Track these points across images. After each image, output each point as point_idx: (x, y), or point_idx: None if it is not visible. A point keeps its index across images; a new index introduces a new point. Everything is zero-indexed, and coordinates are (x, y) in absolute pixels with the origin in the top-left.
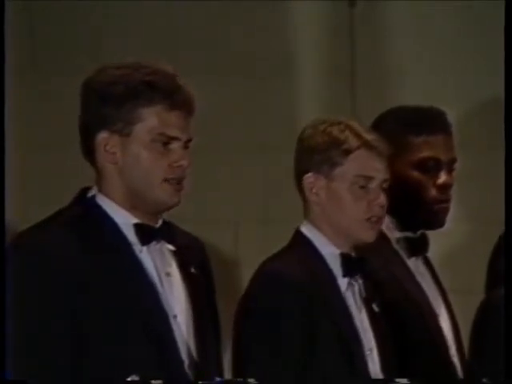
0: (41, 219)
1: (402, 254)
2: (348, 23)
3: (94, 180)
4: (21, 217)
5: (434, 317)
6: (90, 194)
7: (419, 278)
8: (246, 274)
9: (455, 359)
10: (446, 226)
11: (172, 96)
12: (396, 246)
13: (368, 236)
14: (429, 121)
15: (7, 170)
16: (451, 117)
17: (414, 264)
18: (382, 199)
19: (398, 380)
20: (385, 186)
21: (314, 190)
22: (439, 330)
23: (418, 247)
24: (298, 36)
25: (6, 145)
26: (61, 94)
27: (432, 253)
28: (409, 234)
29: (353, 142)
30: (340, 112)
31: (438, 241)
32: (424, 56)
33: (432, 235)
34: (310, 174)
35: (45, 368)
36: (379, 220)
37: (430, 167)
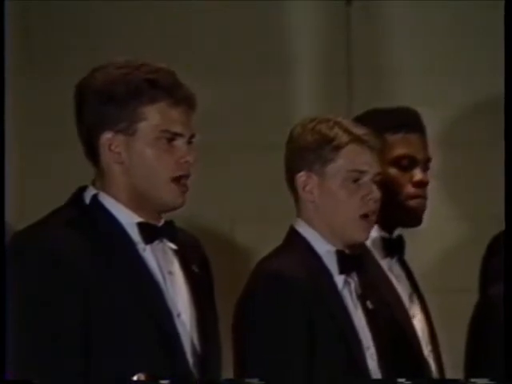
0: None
1: (376, 253)
2: (345, 22)
3: (92, 179)
4: (20, 216)
5: (406, 317)
6: (88, 193)
7: (393, 279)
8: (242, 271)
9: (430, 359)
10: (438, 225)
11: (174, 93)
12: (369, 246)
13: (361, 236)
14: (405, 120)
15: (7, 170)
16: (446, 116)
17: (388, 264)
18: (376, 193)
19: (398, 380)
20: (377, 179)
21: (307, 189)
22: (412, 330)
23: (394, 248)
24: (295, 35)
25: (5, 145)
26: (58, 93)
27: (427, 252)
28: (384, 235)
29: (343, 137)
30: (338, 111)
31: (432, 240)
32: (421, 55)
33: (427, 234)
34: (302, 173)
35: (49, 368)
36: (373, 214)
37: (407, 164)
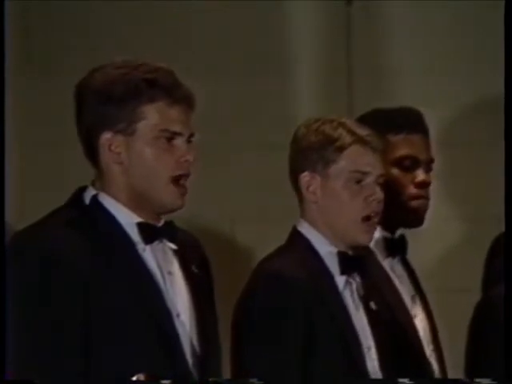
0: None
1: (377, 253)
2: (345, 22)
3: (92, 180)
4: (20, 216)
5: (408, 317)
6: (88, 194)
7: (394, 279)
8: (242, 271)
9: (432, 359)
10: (438, 225)
11: (172, 92)
12: (372, 246)
13: (364, 239)
14: (408, 120)
15: (7, 170)
16: (446, 116)
17: (390, 265)
18: (379, 194)
19: (400, 380)
20: (380, 181)
21: (310, 189)
22: (413, 329)
23: (396, 248)
24: (295, 36)
25: (5, 145)
26: (58, 93)
27: (423, 252)
28: (387, 235)
29: (346, 138)
30: (338, 111)
31: (432, 240)
32: (421, 55)
33: (427, 234)
34: (305, 173)
35: (49, 368)
36: (377, 215)
37: (409, 165)
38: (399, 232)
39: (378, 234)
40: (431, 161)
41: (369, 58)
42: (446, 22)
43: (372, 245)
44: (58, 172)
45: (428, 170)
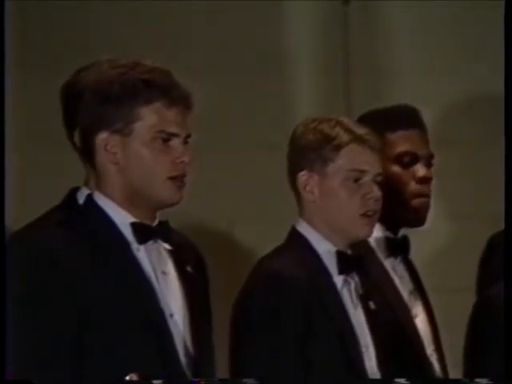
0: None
1: (379, 253)
2: (344, 22)
3: (84, 179)
4: (20, 216)
5: (408, 317)
6: (81, 194)
7: (395, 278)
8: (242, 271)
9: (433, 359)
10: (434, 224)
11: (169, 93)
12: (373, 245)
13: (364, 232)
14: (404, 117)
15: (7, 170)
16: (444, 115)
17: (391, 264)
18: (377, 193)
19: (396, 380)
20: (378, 179)
21: (308, 188)
22: (414, 329)
23: (398, 248)
24: (295, 36)
25: (5, 145)
26: (58, 93)
27: (420, 251)
28: (389, 235)
29: (344, 137)
30: (337, 111)
31: (430, 239)
32: (421, 55)
33: (421, 234)
34: (303, 173)
35: (45, 367)
36: (374, 214)
37: (409, 161)
38: (402, 232)
39: (380, 233)
40: (431, 156)
41: (367, 58)
42: (446, 22)
43: (373, 244)
44: (58, 172)
45: (428, 165)
